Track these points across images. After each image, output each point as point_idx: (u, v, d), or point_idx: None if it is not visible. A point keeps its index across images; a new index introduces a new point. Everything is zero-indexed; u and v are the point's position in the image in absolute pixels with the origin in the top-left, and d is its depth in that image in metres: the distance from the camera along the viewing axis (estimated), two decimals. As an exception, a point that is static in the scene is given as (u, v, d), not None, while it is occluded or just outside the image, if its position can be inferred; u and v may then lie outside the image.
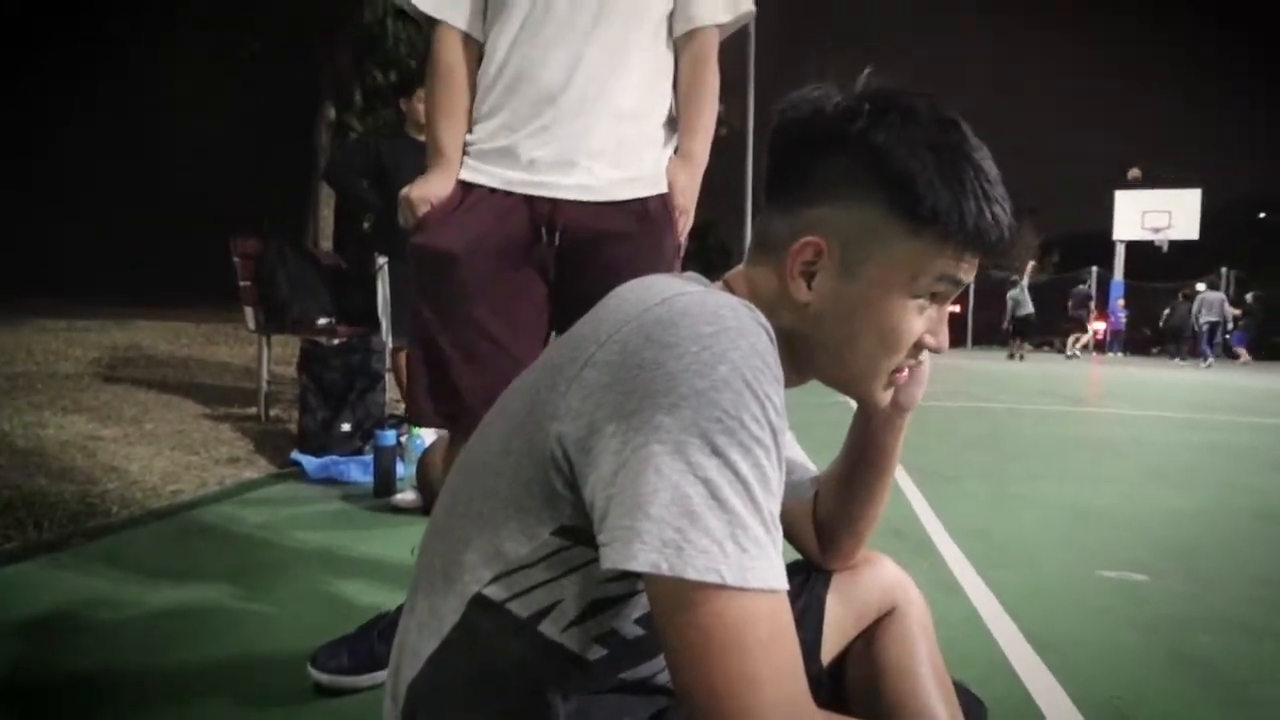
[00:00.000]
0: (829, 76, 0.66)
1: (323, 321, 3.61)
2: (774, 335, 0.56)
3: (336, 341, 3.29)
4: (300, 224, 8.58)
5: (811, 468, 0.91)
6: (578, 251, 1.24)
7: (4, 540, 1.89)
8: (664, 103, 1.32)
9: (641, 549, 0.47)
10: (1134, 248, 18.30)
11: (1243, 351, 15.27)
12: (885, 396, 0.70)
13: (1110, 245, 18.34)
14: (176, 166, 14.25)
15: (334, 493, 2.62)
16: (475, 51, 1.28)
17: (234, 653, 1.39)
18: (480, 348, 1.22)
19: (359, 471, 2.77)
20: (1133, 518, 2.62)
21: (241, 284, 3.60)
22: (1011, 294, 14.37)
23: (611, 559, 0.49)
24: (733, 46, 1.52)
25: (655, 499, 0.48)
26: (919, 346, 0.66)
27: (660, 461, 0.48)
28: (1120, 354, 16.75)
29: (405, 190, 1.27)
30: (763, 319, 0.56)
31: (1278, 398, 7.80)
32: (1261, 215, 40.69)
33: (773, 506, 0.51)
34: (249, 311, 3.65)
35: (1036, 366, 12.28)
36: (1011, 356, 14.00)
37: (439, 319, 1.24)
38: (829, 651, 0.84)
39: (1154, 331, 18.41)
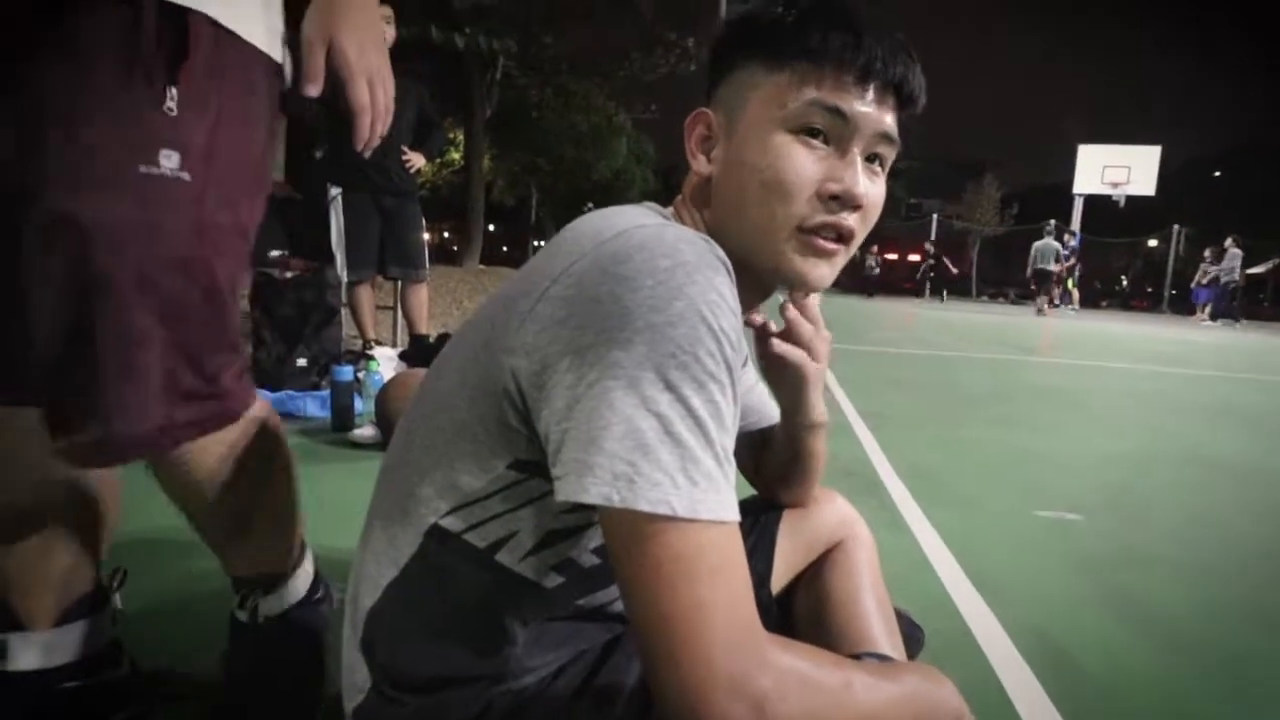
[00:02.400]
0: None
1: (275, 254, 3.50)
2: (731, 268, 0.56)
3: (290, 275, 3.19)
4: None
5: (774, 414, 0.93)
6: None
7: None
8: None
9: (594, 482, 0.48)
10: (1090, 202, 18.69)
11: (1205, 308, 15.76)
12: (806, 268, 0.64)
13: (1069, 199, 18.67)
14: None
15: (291, 428, 2.58)
16: None
17: (189, 584, 1.39)
18: None
19: (316, 407, 2.73)
20: (1071, 461, 2.75)
21: (187, 212, 3.44)
22: (1044, 244, 14.29)
23: (565, 492, 0.49)
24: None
25: (609, 433, 0.48)
26: (829, 198, 0.61)
27: (614, 396, 0.48)
28: (1074, 309, 17.25)
29: None
30: (720, 252, 0.55)
31: (1220, 351, 8.16)
32: (1216, 174, 41.78)
33: (725, 441, 0.51)
34: (196, 242, 3.50)
35: (1002, 318, 12.58)
36: (1039, 312, 14.01)
37: None
38: (778, 582, 0.88)
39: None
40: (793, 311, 0.75)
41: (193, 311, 0.73)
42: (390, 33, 3.36)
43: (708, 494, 0.48)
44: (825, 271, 0.64)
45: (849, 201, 0.62)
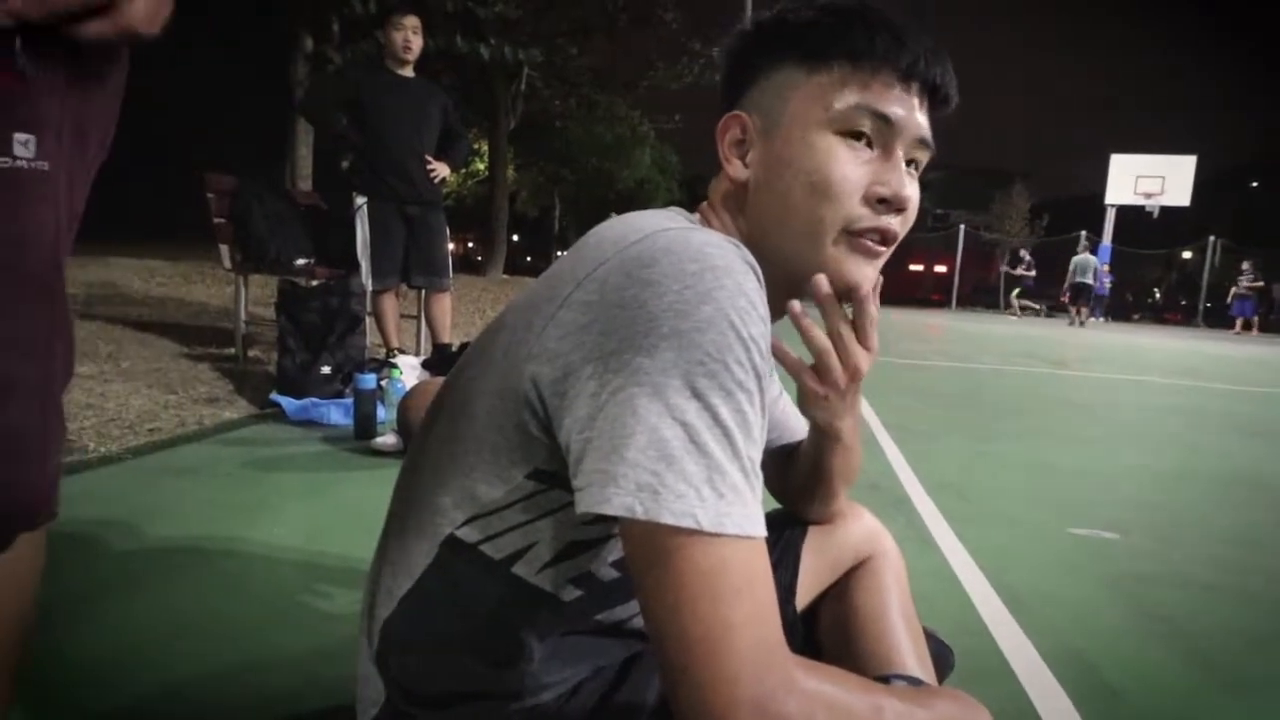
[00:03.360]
0: None
1: (301, 262, 3.54)
2: (761, 274, 0.54)
3: (315, 283, 3.23)
4: (278, 162, 8.35)
5: (799, 430, 0.90)
6: None
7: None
8: None
9: (616, 493, 0.46)
10: (1123, 212, 18.34)
11: (1239, 321, 15.43)
12: (854, 269, 0.62)
13: (1100, 209, 18.34)
14: (150, 101, 13.73)
15: (314, 435, 2.60)
16: None
17: (216, 589, 1.39)
18: None
19: (339, 414, 2.75)
20: (1105, 477, 2.67)
21: (216, 221, 3.52)
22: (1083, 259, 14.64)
23: (586, 503, 0.48)
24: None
25: (632, 442, 0.46)
26: (876, 201, 0.61)
27: (638, 404, 0.46)
28: (1104, 319, 16.93)
29: None
30: (750, 257, 0.53)
31: (1259, 366, 7.93)
32: (1254, 184, 40.76)
33: (753, 453, 0.49)
34: (224, 250, 3.56)
35: (1025, 329, 12.38)
36: (1078, 323, 14.30)
37: None
38: (803, 598, 0.85)
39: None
40: (844, 327, 0.65)
41: (47, 346, 0.57)
42: (417, 42, 3.40)
43: (734, 507, 0.46)
44: (870, 272, 0.64)
45: (895, 204, 0.61)
